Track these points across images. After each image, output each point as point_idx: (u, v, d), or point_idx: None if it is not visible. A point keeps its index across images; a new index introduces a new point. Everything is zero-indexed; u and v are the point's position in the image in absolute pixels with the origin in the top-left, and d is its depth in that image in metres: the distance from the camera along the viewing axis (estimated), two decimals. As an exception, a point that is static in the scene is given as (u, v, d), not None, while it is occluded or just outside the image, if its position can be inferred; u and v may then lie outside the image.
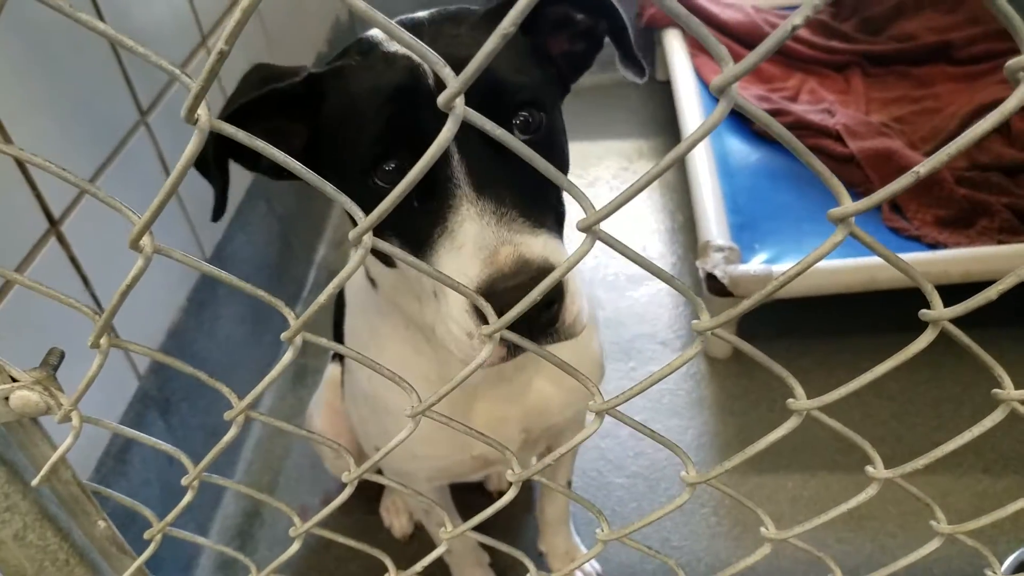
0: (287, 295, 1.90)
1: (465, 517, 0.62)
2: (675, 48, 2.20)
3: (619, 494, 1.46)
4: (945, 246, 1.59)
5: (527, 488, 1.46)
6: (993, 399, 0.47)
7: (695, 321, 0.44)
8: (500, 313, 0.46)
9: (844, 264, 1.53)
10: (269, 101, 0.65)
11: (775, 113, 1.91)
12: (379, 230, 0.55)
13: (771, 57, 2.15)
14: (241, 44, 1.70)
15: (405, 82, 0.62)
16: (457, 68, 0.34)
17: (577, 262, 0.40)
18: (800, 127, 1.87)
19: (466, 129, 0.58)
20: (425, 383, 0.88)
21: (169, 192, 0.37)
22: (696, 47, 2.18)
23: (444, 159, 0.60)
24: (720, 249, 1.61)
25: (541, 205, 0.64)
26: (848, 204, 0.37)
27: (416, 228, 0.62)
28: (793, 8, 2.33)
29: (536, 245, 0.57)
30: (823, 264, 1.54)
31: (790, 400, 0.47)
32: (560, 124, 0.70)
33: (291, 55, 1.99)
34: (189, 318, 1.41)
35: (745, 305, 0.41)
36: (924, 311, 0.42)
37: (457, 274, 0.57)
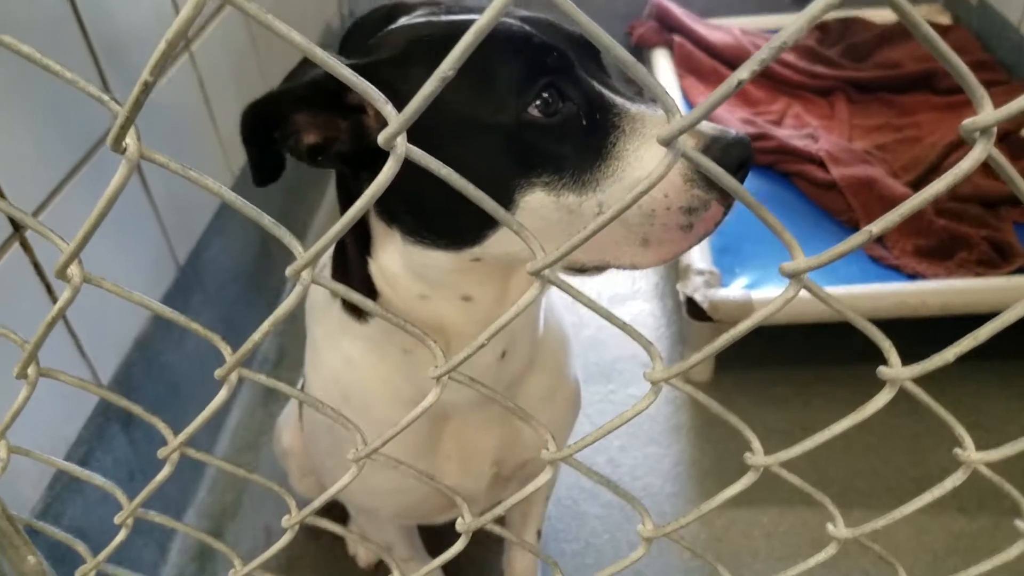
0: (263, 304, 1.88)
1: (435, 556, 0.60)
2: (663, 68, 2.19)
3: (593, 524, 1.43)
4: (924, 277, 1.59)
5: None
6: (955, 459, 0.45)
7: (648, 371, 0.42)
8: (726, 166, 0.52)
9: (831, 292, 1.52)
10: (306, 92, 0.63)
11: (759, 137, 1.90)
12: (521, 177, 0.62)
13: (757, 80, 2.16)
14: (225, 49, 1.68)
15: (517, 31, 0.63)
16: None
17: (522, 311, 0.38)
18: (784, 152, 1.87)
19: (585, 62, 0.64)
20: (406, 407, 0.85)
21: (94, 224, 0.36)
22: (683, 67, 2.18)
23: (585, 80, 0.62)
24: (701, 273, 1.60)
25: None
26: (800, 260, 0.36)
27: (585, 148, 0.62)
28: (777, 33, 2.33)
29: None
30: (804, 294, 1.52)
31: (747, 455, 0.46)
32: None
33: (278, 61, 1.97)
34: (158, 328, 1.38)
35: (696, 359, 0.39)
36: (882, 369, 0.41)
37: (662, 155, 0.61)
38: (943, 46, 0.28)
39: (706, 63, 2.18)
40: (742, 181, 0.59)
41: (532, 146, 0.61)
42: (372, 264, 0.74)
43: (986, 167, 1.36)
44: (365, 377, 0.82)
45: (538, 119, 0.60)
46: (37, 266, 1.09)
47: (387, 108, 0.34)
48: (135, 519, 0.57)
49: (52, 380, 0.44)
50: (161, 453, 0.47)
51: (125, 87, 1.28)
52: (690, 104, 2.09)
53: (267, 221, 0.37)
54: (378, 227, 0.71)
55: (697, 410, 1.61)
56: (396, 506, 0.97)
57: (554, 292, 0.65)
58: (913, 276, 1.60)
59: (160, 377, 1.39)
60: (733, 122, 1.97)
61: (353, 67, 0.61)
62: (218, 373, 0.42)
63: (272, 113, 0.62)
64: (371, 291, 0.75)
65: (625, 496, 0.49)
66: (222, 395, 0.43)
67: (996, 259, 1.59)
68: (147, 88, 0.31)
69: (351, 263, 0.77)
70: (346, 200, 0.75)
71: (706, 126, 0.59)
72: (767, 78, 2.15)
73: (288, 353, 1.82)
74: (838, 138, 1.92)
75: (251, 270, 1.78)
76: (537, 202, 0.62)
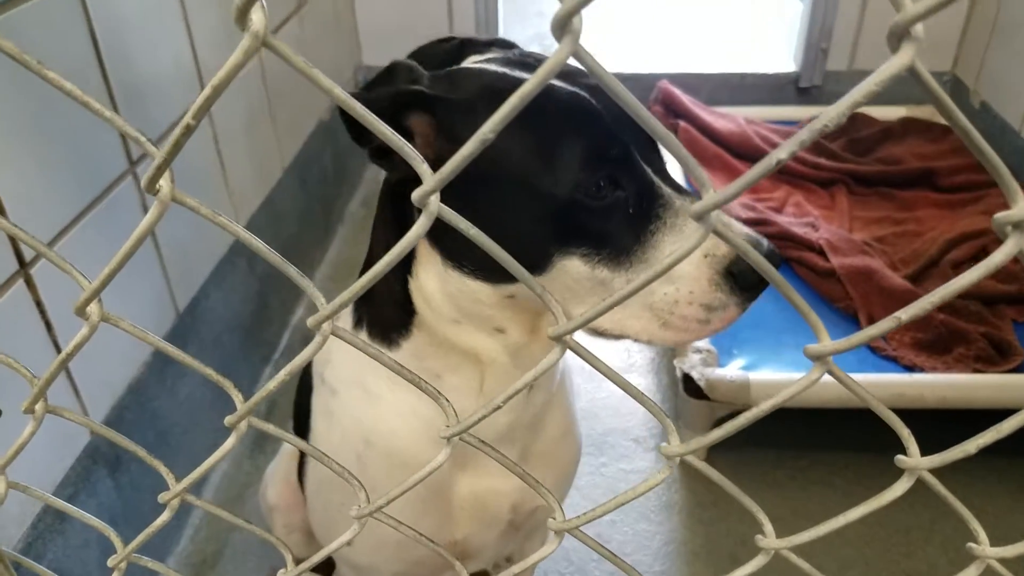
0: (259, 356, 1.87)
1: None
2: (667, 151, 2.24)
3: (578, 600, 1.40)
4: (922, 369, 1.59)
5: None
6: (968, 553, 0.45)
7: (664, 445, 0.42)
8: (745, 285, 0.65)
9: (825, 378, 1.52)
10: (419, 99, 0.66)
11: (760, 223, 1.93)
12: (560, 244, 0.65)
13: (761, 167, 2.20)
14: (242, 105, 1.72)
15: (579, 102, 0.65)
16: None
17: (539, 375, 0.38)
18: (784, 238, 1.89)
19: (643, 148, 0.67)
20: (437, 447, 0.83)
21: (120, 262, 0.36)
22: (692, 148, 2.23)
23: (639, 165, 0.66)
24: (698, 351, 1.60)
25: None
26: (827, 342, 0.36)
27: (626, 233, 0.66)
28: (781, 123, 2.40)
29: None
30: (801, 377, 1.52)
31: (759, 537, 0.45)
32: None
33: (293, 117, 2.01)
34: (152, 374, 1.37)
35: (715, 436, 0.39)
36: (901, 457, 0.41)
37: (702, 259, 0.65)
38: (979, 139, 0.29)
39: (710, 149, 2.22)
40: (759, 292, 0.67)
41: (577, 222, 0.65)
42: (412, 282, 0.75)
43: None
44: (391, 413, 0.81)
45: (587, 201, 0.64)
46: (39, 304, 1.09)
47: (423, 167, 0.34)
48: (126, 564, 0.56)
49: (45, 420, 0.43)
50: (162, 498, 0.46)
51: (137, 127, 1.30)
52: (692, 186, 2.13)
53: (293, 271, 0.37)
54: (422, 246, 0.73)
55: (690, 490, 1.59)
56: (399, 563, 0.94)
57: (582, 295, 0.71)
58: (910, 368, 1.60)
59: (151, 423, 1.37)
60: (734, 206, 2.00)
61: (421, 93, 0.65)
62: (228, 420, 0.42)
63: (403, 109, 0.66)
64: (409, 310, 0.77)
65: (630, 572, 0.48)
66: (230, 442, 0.42)
67: (994, 356, 1.59)
68: (188, 132, 0.31)
69: (387, 283, 0.77)
70: (387, 200, 0.77)
71: (741, 231, 0.64)
72: (770, 165, 2.20)
73: (278, 406, 1.80)
74: (838, 228, 1.95)
75: (248, 323, 1.78)
76: (573, 268, 0.66)
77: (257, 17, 0.28)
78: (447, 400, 0.42)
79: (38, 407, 0.43)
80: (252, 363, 1.83)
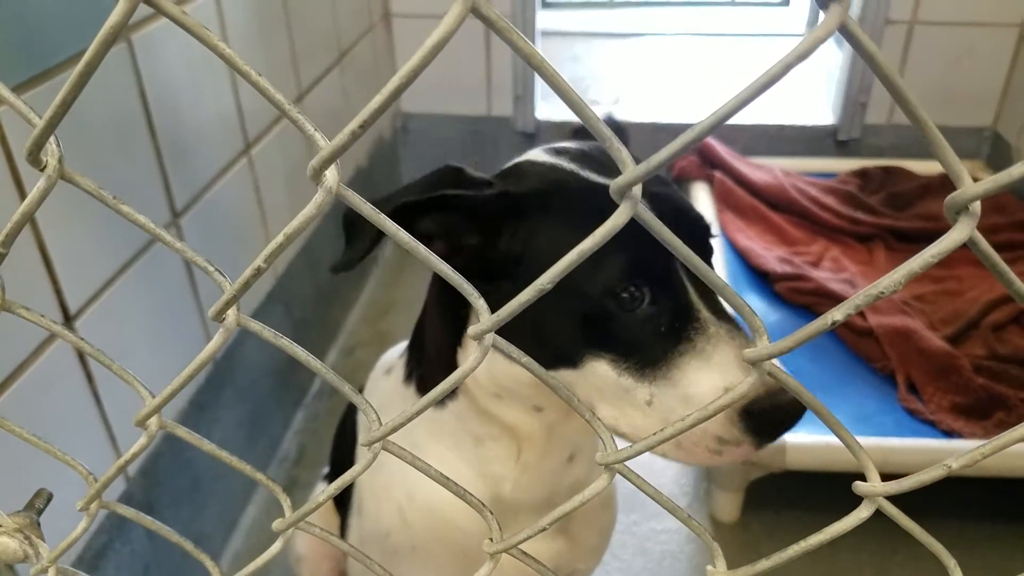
0: (290, 401, 1.88)
1: None
2: (702, 200, 2.24)
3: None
4: (960, 435, 1.56)
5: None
6: None
7: (710, 568, 0.42)
8: (765, 427, 0.63)
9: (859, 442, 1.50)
10: (450, 202, 0.69)
11: (797, 278, 1.92)
12: (590, 346, 0.67)
13: (795, 221, 2.19)
14: (282, 154, 1.75)
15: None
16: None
17: (587, 500, 0.38)
18: (820, 294, 1.87)
19: (699, 251, 0.65)
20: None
21: (185, 381, 0.37)
22: (722, 202, 2.22)
23: (682, 287, 0.67)
24: (731, 410, 1.59)
25: None
26: (876, 484, 0.36)
27: (655, 348, 0.66)
28: (818, 176, 2.39)
29: None
30: (836, 441, 1.51)
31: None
32: None
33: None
34: (187, 422, 1.39)
35: (763, 566, 0.39)
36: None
37: (722, 389, 0.63)
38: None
39: (745, 200, 2.22)
40: (777, 436, 0.66)
41: (606, 327, 0.66)
42: (460, 353, 0.79)
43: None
44: (435, 465, 0.83)
45: (617, 310, 0.65)
46: (82, 357, 1.11)
47: (479, 303, 0.35)
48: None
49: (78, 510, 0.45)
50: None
51: (182, 183, 1.33)
52: (727, 237, 2.12)
53: (347, 389, 0.38)
54: (472, 319, 0.75)
55: (723, 551, 1.56)
56: None
57: (607, 397, 0.72)
58: (948, 433, 1.57)
59: (184, 471, 1.39)
60: (770, 260, 1.99)
61: (489, 191, 0.68)
62: (277, 527, 0.42)
63: (411, 213, 0.69)
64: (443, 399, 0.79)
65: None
66: (277, 546, 0.43)
67: (1035, 424, 1.56)
68: (258, 273, 0.33)
69: (437, 348, 0.81)
70: (440, 289, 0.80)
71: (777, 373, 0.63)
72: (807, 219, 2.19)
73: (308, 451, 1.81)
74: (875, 285, 1.93)
75: (281, 367, 1.80)
76: (601, 369, 0.67)
77: (331, 174, 0.29)
78: (490, 512, 0.43)
79: (93, 506, 0.44)
80: (284, 407, 1.85)
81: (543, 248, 0.69)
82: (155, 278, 1.27)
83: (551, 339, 0.69)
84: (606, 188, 0.66)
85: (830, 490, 1.65)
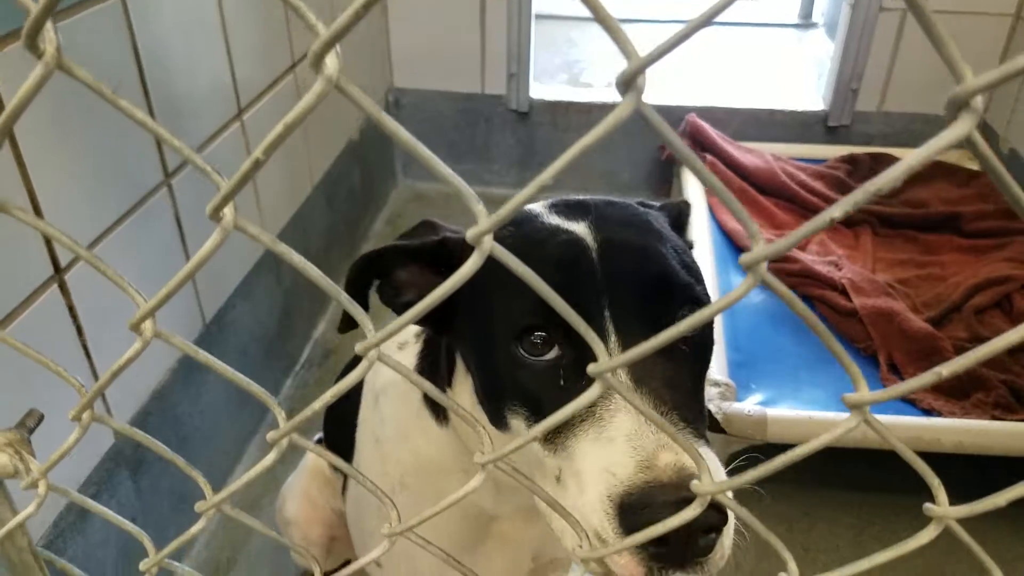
0: (281, 368, 1.88)
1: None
2: (692, 183, 2.25)
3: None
4: (939, 414, 1.58)
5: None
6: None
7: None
8: (633, 529, 0.47)
9: (839, 417, 1.52)
10: (409, 254, 0.68)
11: (783, 259, 1.93)
12: (509, 399, 0.62)
13: (785, 205, 2.21)
14: (276, 123, 1.74)
15: (567, 256, 0.62)
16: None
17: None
18: (806, 276, 1.89)
19: (625, 314, 0.59)
20: (460, 512, 0.85)
21: (179, 284, 0.37)
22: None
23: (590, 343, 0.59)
24: (716, 384, 1.60)
25: (695, 411, 0.60)
26: (865, 393, 0.36)
27: (555, 405, 0.58)
28: (808, 161, 2.41)
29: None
30: (818, 415, 1.53)
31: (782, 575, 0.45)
32: (712, 328, 0.69)
33: (324, 135, 2.04)
34: (176, 381, 1.39)
35: (747, 478, 0.40)
36: (929, 506, 0.41)
37: (602, 470, 0.53)
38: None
39: (735, 183, 2.23)
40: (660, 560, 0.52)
41: (516, 377, 0.61)
42: (449, 392, 0.77)
43: (1009, 312, 1.37)
44: (428, 472, 0.84)
45: (524, 357, 0.60)
46: (72, 309, 1.11)
47: (478, 207, 0.35)
48: (138, 556, 0.57)
49: (70, 423, 0.45)
50: (199, 507, 0.48)
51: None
52: (716, 220, 2.14)
53: (344, 299, 0.38)
54: (460, 365, 0.74)
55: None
56: None
57: (531, 466, 0.67)
58: (928, 412, 1.59)
59: (173, 429, 1.39)
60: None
61: (429, 240, 0.68)
62: (271, 437, 0.43)
63: (381, 265, 0.68)
64: (445, 415, 0.80)
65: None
66: (271, 457, 0.44)
67: (1013, 404, 1.58)
68: (257, 166, 0.33)
69: (439, 380, 0.80)
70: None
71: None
72: (796, 203, 2.20)
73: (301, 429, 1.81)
74: (861, 268, 1.95)
75: (272, 334, 1.80)
76: (519, 429, 0.63)
77: (332, 62, 0.29)
78: (483, 427, 0.43)
79: (85, 416, 0.44)
80: (274, 373, 1.85)
81: (467, 293, 0.65)
82: (146, 236, 1.27)
83: (486, 393, 0.67)
84: (553, 230, 0.65)
85: (802, 465, 1.67)
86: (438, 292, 0.36)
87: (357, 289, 0.69)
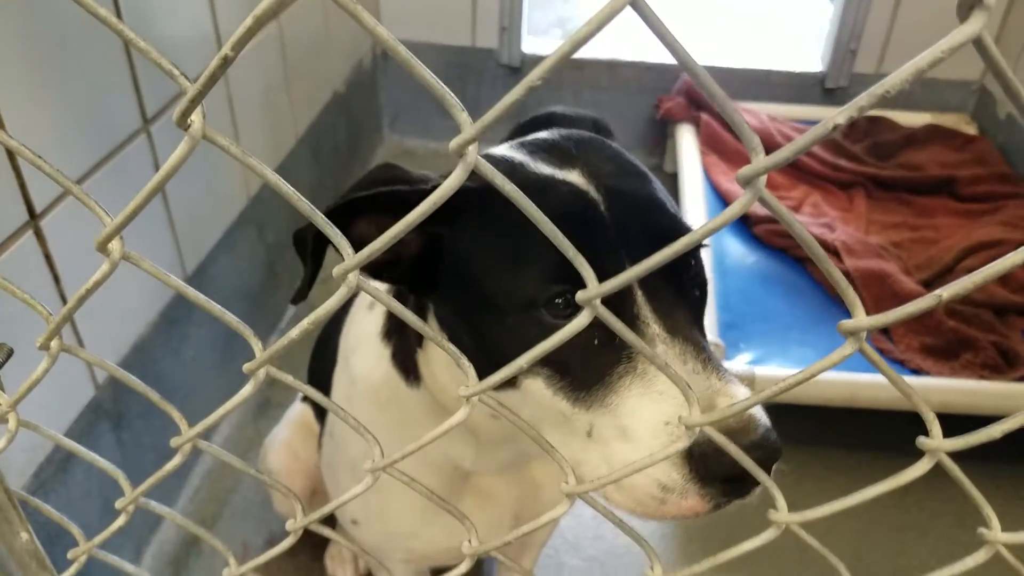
0: (264, 326, 1.86)
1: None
2: (686, 142, 2.22)
3: (572, 578, 1.41)
4: (928, 374, 1.58)
5: (478, 565, 1.40)
6: (978, 538, 0.44)
7: (648, 571, 0.47)
8: (711, 475, 0.52)
9: (827, 378, 1.51)
10: (384, 201, 0.61)
11: (775, 220, 1.92)
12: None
13: (780, 167, 2.19)
14: (259, 72, 1.70)
15: (574, 209, 0.59)
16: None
17: (549, 522, 0.37)
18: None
19: (657, 272, 0.57)
20: (430, 469, 0.84)
21: (147, 197, 0.35)
22: (708, 145, 2.21)
23: (627, 293, 0.57)
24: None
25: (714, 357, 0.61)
26: (862, 318, 0.35)
27: (589, 366, 0.57)
28: (805, 123, 2.38)
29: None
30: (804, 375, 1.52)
31: (771, 512, 0.44)
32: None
33: (308, 87, 2.00)
34: (157, 335, 1.37)
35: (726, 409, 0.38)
36: (923, 439, 0.40)
37: (660, 424, 0.54)
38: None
39: (730, 143, 2.21)
40: (739, 492, 0.56)
41: (538, 338, 0.57)
42: (420, 354, 0.76)
43: (1005, 279, 1.36)
44: (396, 428, 0.82)
45: (547, 320, 0.57)
46: (48, 257, 1.08)
47: (462, 116, 0.33)
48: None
49: (50, 373, 0.43)
50: (174, 442, 0.46)
51: (154, 91, 1.29)
52: (711, 180, 2.11)
53: (320, 219, 0.36)
54: (433, 323, 0.71)
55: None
56: (409, 552, 0.97)
57: (547, 422, 0.65)
58: (916, 372, 1.59)
59: (155, 384, 1.35)
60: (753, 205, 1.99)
61: (423, 186, 0.61)
62: (247, 367, 0.41)
63: (342, 217, 0.61)
64: (415, 375, 0.78)
65: (634, 536, 0.48)
66: (247, 390, 0.42)
67: (1001, 365, 1.58)
68: (225, 63, 0.31)
69: (406, 336, 0.78)
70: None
71: (752, 413, 0.53)
72: (790, 165, 2.18)
73: (272, 401, 1.78)
74: (854, 231, 1.93)
75: (255, 291, 1.78)
76: (536, 389, 0.61)
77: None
78: (468, 362, 0.42)
79: (53, 344, 0.42)
80: (258, 331, 1.79)
81: (462, 250, 0.62)
82: (124, 183, 1.24)
83: (490, 354, 0.62)
84: (549, 180, 0.61)
85: (790, 424, 1.68)
86: (419, 210, 0.34)
87: (318, 258, 0.64)
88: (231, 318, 0.40)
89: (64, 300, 1.12)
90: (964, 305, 1.71)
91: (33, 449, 1.08)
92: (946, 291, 0.33)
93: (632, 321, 0.56)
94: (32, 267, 1.06)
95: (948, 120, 2.35)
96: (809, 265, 1.85)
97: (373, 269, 0.64)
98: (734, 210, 0.31)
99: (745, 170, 0.31)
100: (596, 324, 0.53)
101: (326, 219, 0.37)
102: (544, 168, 0.63)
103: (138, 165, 1.27)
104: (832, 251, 1.84)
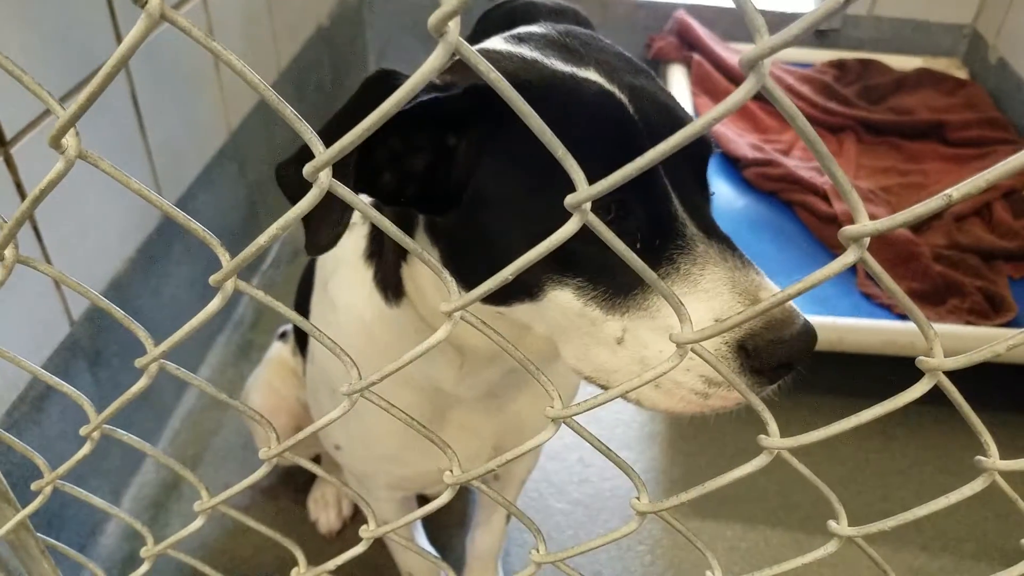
0: (247, 267, 1.83)
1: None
2: (677, 83, 2.18)
3: (557, 519, 1.41)
4: (914, 320, 1.58)
5: (462, 499, 1.40)
6: (976, 466, 0.43)
7: (634, 499, 0.46)
8: (764, 366, 0.53)
9: (814, 321, 1.51)
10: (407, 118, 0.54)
11: (766, 163, 1.89)
12: (559, 271, 0.57)
13: (769, 109, 2.15)
14: (240, 6, 1.64)
15: (608, 112, 0.58)
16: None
17: (536, 446, 0.35)
18: (789, 180, 1.86)
19: (679, 172, 0.58)
20: (412, 391, 0.82)
21: (103, 82, 0.32)
22: (699, 86, 2.17)
23: (664, 196, 0.57)
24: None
25: None
26: (865, 223, 0.33)
27: (627, 270, 0.53)
28: (797, 65, 2.34)
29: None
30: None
31: (762, 436, 0.43)
32: None
33: (291, 19, 1.94)
34: (135, 271, 1.34)
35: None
36: (923, 359, 0.39)
37: (710, 320, 0.53)
38: None
39: (721, 84, 2.17)
40: (780, 377, 0.57)
41: (571, 245, 0.52)
42: (405, 268, 0.72)
43: (988, 221, 1.35)
44: (379, 351, 0.80)
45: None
46: (19, 186, 1.05)
47: (318, 147, 0.30)
48: (97, 451, 0.54)
49: (23, 308, 0.40)
50: (139, 363, 0.44)
51: (129, 16, 1.24)
52: (700, 122, 2.08)
53: (289, 112, 0.34)
54: (422, 239, 0.67)
55: (674, 420, 1.59)
56: (391, 476, 0.96)
57: (570, 333, 0.63)
58: (903, 317, 1.59)
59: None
60: (742, 145, 1.96)
61: (455, 91, 0.55)
62: (213, 279, 0.39)
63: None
64: (399, 291, 0.74)
65: (622, 466, 0.47)
66: (215, 303, 0.40)
67: (987, 310, 1.58)
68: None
69: (387, 254, 0.75)
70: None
71: (785, 306, 0.54)
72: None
73: (263, 316, 1.77)
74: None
75: (236, 229, 1.74)
76: (565, 300, 0.59)
77: None
78: (451, 278, 0.40)
79: (8, 252, 0.39)
80: (240, 272, 1.80)
81: (485, 162, 0.58)
82: (101, 114, 1.20)
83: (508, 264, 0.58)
84: (572, 79, 0.57)
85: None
86: (394, 98, 0.31)
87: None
88: (196, 226, 0.38)
89: (37, 232, 1.08)
90: (951, 250, 1.70)
91: (6, 388, 1.06)
92: (956, 191, 0.31)
93: (671, 223, 0.57)
94: (2, 195, 1.02)
95: (939, 64, 2.32)
96: (799, 209, 1.83)
97: (383, 195, 0.60)
98: (738, 96, 0.29)
99: (748, 52, 0.29)
100: (637, 227, 0.55)
101: (295, 114, 0.34)
102: (561, 65, 0.59)
103: (114, 97, 1.23)
104: (821, 194, 1.82)
